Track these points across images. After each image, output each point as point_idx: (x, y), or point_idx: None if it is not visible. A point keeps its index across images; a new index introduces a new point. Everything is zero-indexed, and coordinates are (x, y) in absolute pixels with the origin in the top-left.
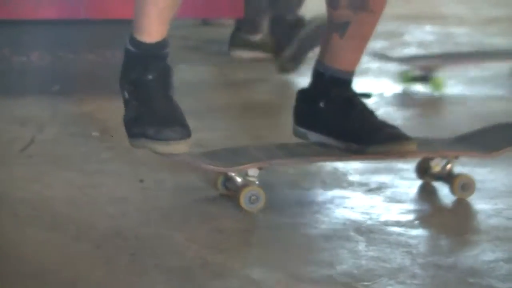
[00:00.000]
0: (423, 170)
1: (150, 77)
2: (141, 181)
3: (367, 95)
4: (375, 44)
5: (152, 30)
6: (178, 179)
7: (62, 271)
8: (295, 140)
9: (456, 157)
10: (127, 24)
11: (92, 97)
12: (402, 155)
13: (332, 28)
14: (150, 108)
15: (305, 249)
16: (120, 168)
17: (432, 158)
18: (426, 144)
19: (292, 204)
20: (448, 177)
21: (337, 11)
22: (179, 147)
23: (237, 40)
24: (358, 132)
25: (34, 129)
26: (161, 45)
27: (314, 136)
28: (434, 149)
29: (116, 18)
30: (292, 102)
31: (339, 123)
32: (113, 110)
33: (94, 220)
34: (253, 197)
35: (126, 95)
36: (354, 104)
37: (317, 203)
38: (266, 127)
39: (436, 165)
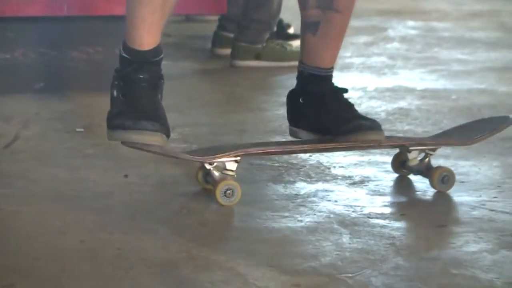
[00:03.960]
0: (398, 164)
1: (141, 76)
2: (126, 176)
3: (344, 90)
4: (359, 39)
5: (143, 41)
6: (162, 174)
7: (47, 266)
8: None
9: (434, 150)
10: (110, 21)
11: (76, 94)
12: (366, 145)
13: (305, 28)
14: (134, 106)
15: (289, 242)
16: (105, 163)
17: (409, 151)
18: (399, 137)
19: (276, 197)
20: (427, 171)
21: (307, 11)
22: (154, 138)
23: (220, 38)
24: (328, 124)
25: (19, 125)
26: (154, 52)
27: (302, 134)
28: (405, 140)
29: (99, 15)
30: (275, 97)
31: (314, 117)
32: (97, 106)
33: (79, 215)
34: (228, 192)
35: (115, 93)
36: (328, 98)
37: (301, 196)
38: (250, 121)
39: (414, 158)
